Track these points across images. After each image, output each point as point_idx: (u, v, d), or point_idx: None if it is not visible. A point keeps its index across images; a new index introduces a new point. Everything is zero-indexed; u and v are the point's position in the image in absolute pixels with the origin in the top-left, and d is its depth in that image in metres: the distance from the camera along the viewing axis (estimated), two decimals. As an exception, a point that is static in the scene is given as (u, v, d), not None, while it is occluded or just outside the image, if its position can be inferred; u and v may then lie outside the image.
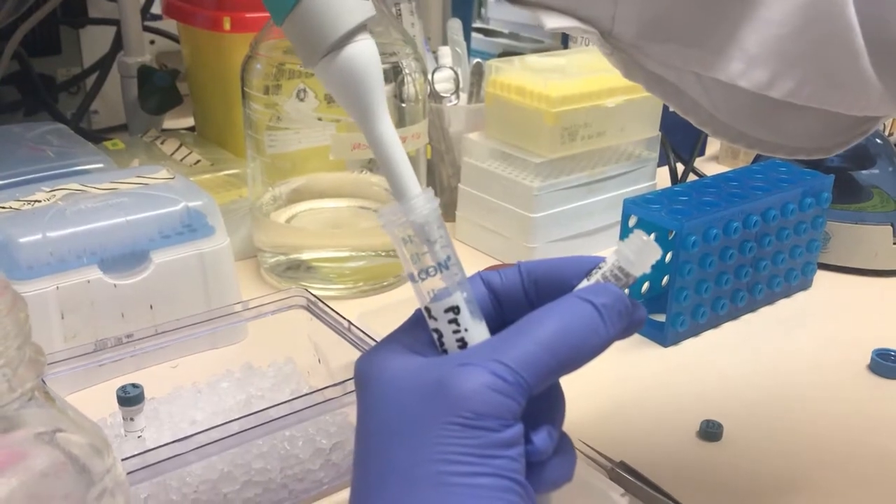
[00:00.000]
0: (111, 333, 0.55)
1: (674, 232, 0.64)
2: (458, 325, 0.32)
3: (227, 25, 0.80)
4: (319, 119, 0.73)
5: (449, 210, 0.87)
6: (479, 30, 1.44)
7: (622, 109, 0.79)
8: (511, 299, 0.35)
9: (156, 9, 1.05)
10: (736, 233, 0.67)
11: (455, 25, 0.99)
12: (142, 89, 0.98)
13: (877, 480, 0.54)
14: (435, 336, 0.32)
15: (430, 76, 0.87)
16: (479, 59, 0.89)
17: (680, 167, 0.96)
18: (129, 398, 0.50)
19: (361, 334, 0.54)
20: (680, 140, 0.99)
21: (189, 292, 0.63)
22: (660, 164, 0.87)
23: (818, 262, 0.78)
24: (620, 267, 0.33)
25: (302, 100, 0.72)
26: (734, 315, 0.72)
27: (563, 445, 0.34)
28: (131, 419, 0.50)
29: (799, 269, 0.75)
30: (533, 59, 0.84)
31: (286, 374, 0.58)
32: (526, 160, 0.78)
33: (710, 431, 0.56)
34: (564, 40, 1.17)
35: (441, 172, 0.88)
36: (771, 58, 0.35)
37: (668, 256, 0.65)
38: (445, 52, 0.93)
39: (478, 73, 0.88)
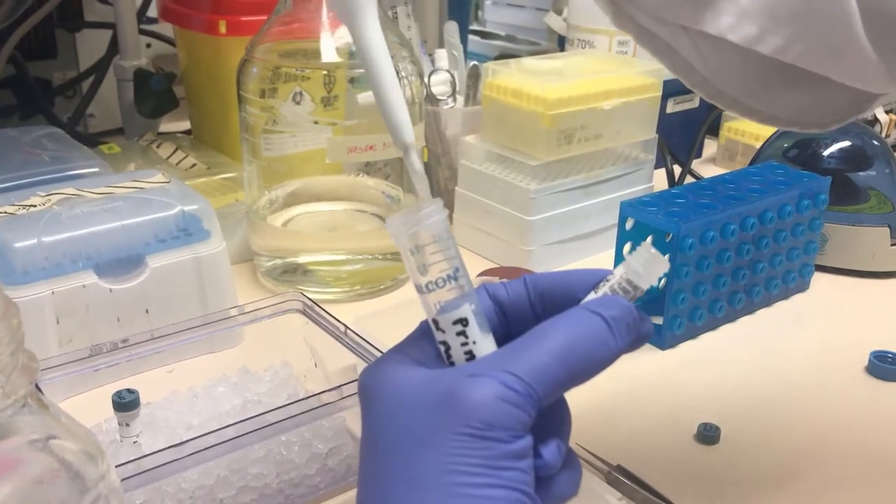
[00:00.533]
0: (107, 338, 0.55)
1: (671, 235, 0.64)
2: (466, 337, 0.32)
3: (222, 29, 0.80)
4: (315, 122, 0.73)
5: (446, 213, 0.87)
6: (475, 32, 1.44)
7: (618, 112, 0.79)
8: (517, 312, 0.34)
9: (152, 12, 1.04)
10: (733, 235, 0.67)
11: (451, 28, 0.99)
12: (138, 93, 0.98)
13: (875, 482, 0.54)
14: (442, 348, 0.32)
15: (426, 79, 0.87)
16: (475, 62, 0.89)
17: (677, 169, 0.96)
18: (125, 403, 0.49)
19: (358, 338, 0.54)
20: (677, 142, 0.99)
21: (185, 297, 0.63)
22: (656, 167, 0.87)
23: (815, 264, 0.78)
24: (629, 279, 0.33)
25: (298, 103, 0.72)
26: (732, 317, 0.72)
27: (570, 460, 0.33)
28: (127, 424, 0.50)
29: (796, 271, 0.75)
30: (529, 62, 0.84)
31: (282, 378, 0.58)
32: (522, 163, 0.78)
33: (708, 434, 0.56)
34: (561, 42, 1.16)
35: (438, 175, 0.88)
36: (761, 12, 0.35)
37: (666, 259, 0.65)
38: (442, 55, 0.93)
39: (474, 76, 0.88)
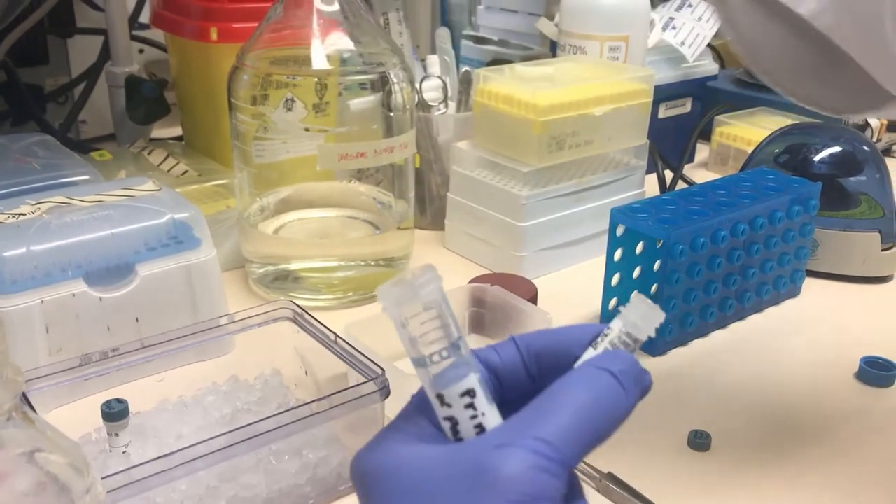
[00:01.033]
0: (97, 347, 0.55)
1: (661, 241, 0.64)
2: (474, 409, 0.30)
3: (214, 36, 0.80)
4: (307, 129, 0.73)
5: (438, 219, 0.87)
6: (469, 37, 1.44)
7: (609, 118, 0.80)
8: (511, 376, 0.33)
9: (144, 17, 1.04)
10: (724, 241, 0.67)
11: (443, 34, 0.99)
12: (130, 100, 0.98)
13: (865, 489, 0.54)
14: (448, 424, 0.30)
15: (418, 85, 0.87)
16: (467, 68, 0.89)
17: (669, 174, 0.96)
18: (114, 413, 0.49)
19: (348, 346, 0.54)
20: (669, 147, 0.99)
21: (175, 305, 0.62)
22: (648, 172, 0.88)
23: (807, 270, 0.78)
24: (628, 332, 0.32)
25: (290, 109, 0.72)
26: (723, 324, 0.72)
27: None
28: (116, 434, 0.50)
29: (787, 276, 0.75)
30: (520, 68, 0.84)
31: (273, 386, 0.58)
32: (514, 169, 0.78)
33: (699, 441, 0.56)
34: (554, 47, 1.17)
35: (430, 181, 0.88)
36: None
37: (657, 265, 0.65)
38: (434, 61, 0.93)
39: (466, 82, 0.88)
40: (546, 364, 0.33)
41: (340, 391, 0.49)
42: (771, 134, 0.88)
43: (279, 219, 0.78)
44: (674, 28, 1.05)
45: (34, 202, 0.62)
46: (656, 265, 0.65)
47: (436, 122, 0.86)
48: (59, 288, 0.58)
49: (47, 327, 0.58)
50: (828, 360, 0.67)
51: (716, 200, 0.69)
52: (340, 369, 0.54)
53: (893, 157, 1.18)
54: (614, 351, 0.32)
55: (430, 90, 0.88)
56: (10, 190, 0.68)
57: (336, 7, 0.70)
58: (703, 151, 1.13)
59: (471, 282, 0.70)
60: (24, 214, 0.61)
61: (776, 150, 0.85)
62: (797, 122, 0.98)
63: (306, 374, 0.58)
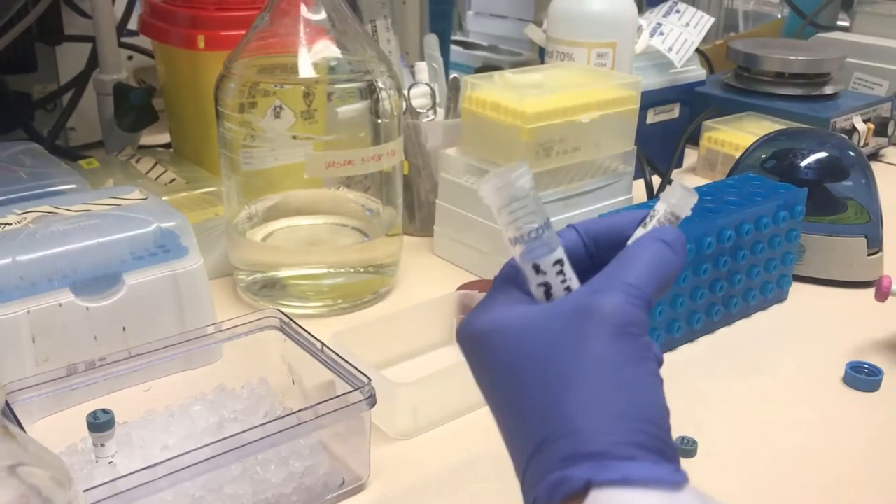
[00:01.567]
0: (83, 357, 0.55)
1: (648, 248, 0.64)
2: (564, 274, 0.36)
3: (201, 44, 0.80)
4: (294, 137, 0.73)
5: (427, 225, 0.87)
6: (458, 42, 1.44)
7: (597, 125, 0.80)
8: (573, 255, 0.38)
9: (133, 24, 1.04)
10: (710, 248, 0.67)
11: (432, 41, 0.99)
12: (118, 107, 0.98)
13: (851, 493, 0.54)
14: (541, 290, 0.36)
15: (406, 92, 0.87)
16: (456, 75, 0.90)
17: (656, 180, 0.97)
18: (100, 424, 0.49)
19: (334, 355, 0.54)
20: (658, 152, 1.00)
21: (163, 314, 0.62)
22: (636, 178, 0.88)
23: (794, 275, 0.78)
24: (671, 212, 0.38)
25: (278, 117, 0.72)
26: (710, 329, 0.72)
27: None
28: (102, 445, 0.50)
29: (774, 281, 0.76)
30: (508, 75, 0.84)
31: (260, 395, 0.58)
32: (502, 176, 0.78)
33: (685, 448, 0.56)
34: (541, 54, 1.17)
35: (419, 188, 0.88)
36: None
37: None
38: (422, 68, 0.93)
39: (455, 89, 0.88)
40: (603, 244, 0.39)
41: (327, 400, 0.49)
42: (758, 139, 0.88)
43: (267, 226, 0.78)
44: (661, 34, 1.05)
45: (20, 211, 0.62)
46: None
47: (424, 128, 0.86)
48: (46, 298, 0.58)
49: (34, 337, 0.58)
50: (814, 364, 0.68)
51: (702, 207, 0.70)
52: (327, 378, 0.54)
53: (880, 162, 1.18)
54: (661, 227, 0.38)
55: (419, 97, 0.89)
56: (-4, 199, 0.68)
57: (323, 15, 0.70)
58: (691, 157, 1.13)
59: (459, 288, 0.70)
60: (9, 224, 0.60)
61: (763, 156, 0.85)
62: (784, 127, 0.98)
63: (293, 382, 0.58)
